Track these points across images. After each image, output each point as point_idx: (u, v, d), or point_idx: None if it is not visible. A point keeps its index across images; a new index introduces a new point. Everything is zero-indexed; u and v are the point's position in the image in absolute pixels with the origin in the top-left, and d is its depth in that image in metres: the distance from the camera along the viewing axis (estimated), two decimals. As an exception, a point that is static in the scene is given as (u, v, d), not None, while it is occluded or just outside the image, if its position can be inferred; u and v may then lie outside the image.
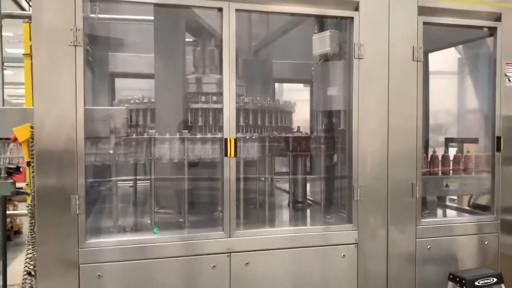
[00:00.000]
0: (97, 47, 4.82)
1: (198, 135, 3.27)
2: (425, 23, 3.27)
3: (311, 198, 4.12)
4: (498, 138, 3.50)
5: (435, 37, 4.33)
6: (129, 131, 3.27)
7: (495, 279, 3.14)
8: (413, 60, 3.24)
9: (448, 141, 4.43)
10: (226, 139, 2.92)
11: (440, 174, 3.72)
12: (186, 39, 4.29)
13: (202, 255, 2.90)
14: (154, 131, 3.37)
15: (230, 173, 2.93)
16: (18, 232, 7.99)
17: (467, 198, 4.04)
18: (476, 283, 3.07)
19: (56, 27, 2.62)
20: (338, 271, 3.15)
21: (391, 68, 3.20)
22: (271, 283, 3.02)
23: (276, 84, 5.71)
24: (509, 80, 3.49)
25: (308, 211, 3.92)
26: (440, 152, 3.94)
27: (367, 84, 3.17)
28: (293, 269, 3.07)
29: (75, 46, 2.64)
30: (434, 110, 4.68)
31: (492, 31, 3.52)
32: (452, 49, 4.66)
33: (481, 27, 3.54)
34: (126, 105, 3.60)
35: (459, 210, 3.97)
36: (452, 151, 4.05)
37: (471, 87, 4.49)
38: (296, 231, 3.16)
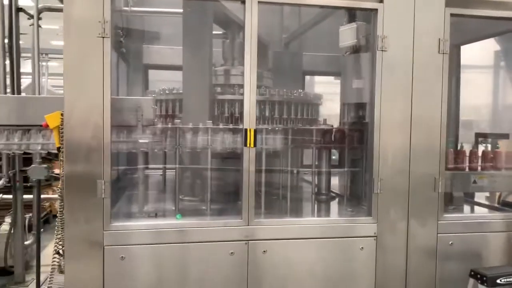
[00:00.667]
0: (131, 39, 4.99)
1: (221, 125, 3.34)
2: (452, 15, 3.20)
3: (335, 191, 4.12)
4: (528, 134, 3.40)
5: (468, 29, 4.23)
6: (155, 120, 3.38)
7: (519, 278, 3.06)
8: (438, 52, 3.18)
9: (478, 137, 4.32)
10: (246, 130, 2.98)
11: (466, 169, 3.64)
12: (216, 32, 4.38)
13: (221, 242, 2.98)
14: (179, 121, 3.47)
15: (250, 163, 3.00)
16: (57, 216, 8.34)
17: (498, 195, 3.95)
18: (498, 281, 2.99)
19: (85, 19, 2.75)
20: (356, 263, 3.16)
21: (416, 61, 3.16)
22: (287, 271, 3.07)
23: (308, 77, 5.73)
24: (541, 74, 3.37)
25: (330, 203, 3.93)
26: (469, 147, 3.86)
27: (390, 76, 3.14)
28: (310, 259, 3.10)
29: (103, 37, 2.76)
30: (466, 104, 4.58)
31: (525, 23, 3.41)
32: (489, 42, 4.52)
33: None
34: (153, 95, 3.71)
35: (487, 207, 3.87)
36: (483, 147, 3.96)
37: (505, 80, 4.35)
38: (314, 222, 3.20)
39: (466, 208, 3.87)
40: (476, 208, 3.87)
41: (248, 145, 2.98)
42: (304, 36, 5.14)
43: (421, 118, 3.19)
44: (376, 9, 3.11)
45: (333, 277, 3.14)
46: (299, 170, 4.22)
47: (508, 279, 3.02)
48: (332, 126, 4.06)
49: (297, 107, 3.97)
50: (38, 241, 3.62)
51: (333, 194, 4.10)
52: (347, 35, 3.60)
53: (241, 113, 3.06)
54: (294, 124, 3.87)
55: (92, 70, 2.77)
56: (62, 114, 2.84)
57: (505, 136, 3.90)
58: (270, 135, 3.49)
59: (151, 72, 5.54)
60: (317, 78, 6.16)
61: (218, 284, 2.99)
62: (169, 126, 3.35)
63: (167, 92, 3.86)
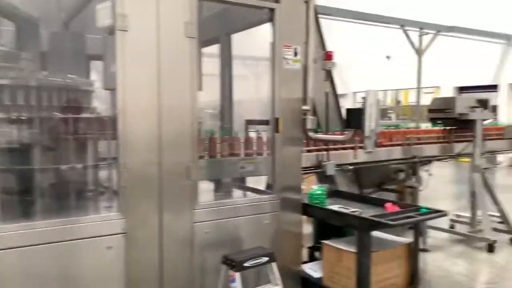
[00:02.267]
0: None
1: None
2: (199, -1, 3.13)
3: (103, 185, 3.77)
4: (277, 119, 3.56)
5: (235, 19, 4.29)
6: None
7: (266, 258, 3.17)
8: (186, 36, 3.08)
9: (248, 123, 4.47)
10: None
11: (220, 156, 3.66)
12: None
13: None
14: None
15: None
16: None
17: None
18: (246, 264, 3.06)
19: None
20: (103, 264, 2.88)
21: (162, 45, 3.00)
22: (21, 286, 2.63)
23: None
24: (287, 63, 3.55)
25: (99, 199, 3.57)
26: (241, 134, 3.95)
27: (133, 59, 2.93)
28: (48, 267, 2.71)
29: None
30: (238, 93, 4.70)
31: (271, 14, 3.52)
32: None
33: (261, 7, 3.53)
34: None
35: (254, 191, 3.96)
36: (253, 133, 4.07)
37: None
38: (53, 225, 2.77)
39: (239, 193, 3.94)
40: (237, 193, 3.94)
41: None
42: (85, 16, 4.63)
43: (171, 105, 3.05)
44: (116, -15, 2.85)
45: (77, 283, 2.81)
46: (57, 166, 3.78)
47: (255, 261, 3.11)
48: (99, 114, 3.70)
49: (58, 94, 3.49)
50: None
51: (103, 190, 3.75)
52: (103, 14, 3.28)
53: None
54: (49, 112, 3.39)
55: None
56: None
57: (266, 122, 4.05)
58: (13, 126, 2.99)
59: None
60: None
61: None
62: None
63: None
